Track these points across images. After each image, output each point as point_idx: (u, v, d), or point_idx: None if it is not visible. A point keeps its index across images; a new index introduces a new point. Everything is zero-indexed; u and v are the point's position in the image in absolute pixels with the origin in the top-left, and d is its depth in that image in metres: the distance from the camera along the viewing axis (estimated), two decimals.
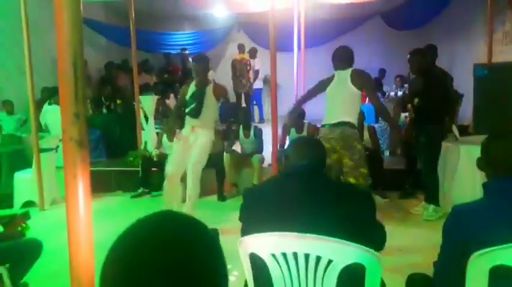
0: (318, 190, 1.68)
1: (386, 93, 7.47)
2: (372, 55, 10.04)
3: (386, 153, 6.50)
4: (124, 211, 5.01)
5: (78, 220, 1.60)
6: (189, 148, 4.27)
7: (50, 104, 6.94)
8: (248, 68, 9.18)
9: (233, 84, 9.27)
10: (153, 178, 5.58)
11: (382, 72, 9.14)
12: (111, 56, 9.74)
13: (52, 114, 6.85)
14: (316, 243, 1.50)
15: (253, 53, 9.50)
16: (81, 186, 1.59)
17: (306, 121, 5.58)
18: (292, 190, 1.68)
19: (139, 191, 5.64)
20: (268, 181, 2.03)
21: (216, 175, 5.44)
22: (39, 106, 6.23)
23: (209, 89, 4.27)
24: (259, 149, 5.65)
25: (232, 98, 9.88)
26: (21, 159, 5.41)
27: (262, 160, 5.49)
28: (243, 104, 9.30)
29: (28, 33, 4.89)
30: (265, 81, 10.24)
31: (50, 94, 6.92)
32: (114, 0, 6.44)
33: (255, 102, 10.02)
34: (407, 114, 6.00)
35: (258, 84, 9.72)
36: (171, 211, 0.78)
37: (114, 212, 4.94)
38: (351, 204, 1.65)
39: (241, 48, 9.50)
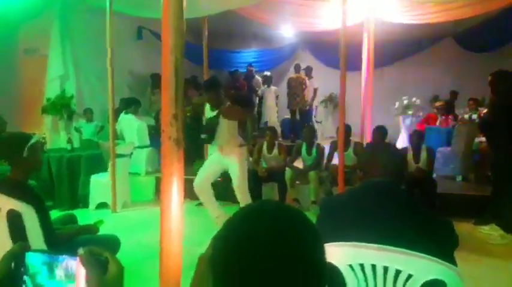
0: (400, 209, 1.67)
1: (459, 117, 7.15)
2: (443, 77, 9.70)
3: (459, 178, 6.20)
4: (189, 217, 5.16)
5: (171, 214, 1.71)
6: (218, 165, 4.53)
7: (126, 113, 7.41)
8: (304, 86, 9.33)
9: (288, 101, 9.54)
10: (218, 188, 5.72)
11: (454, 94, 8.77)
12: None
13: (127, 123, 7.31)
14: (397, 256, 1.49)
15: (309, 72, 9.56)
16: (176, 183, 1.71)
17: (351, 139, 5.50)
18: (373, 204, 1.68)
19: None
20: (346, 192, 2.03)
21: (277, 190, 5.48)
22: (116, 115, 6.65)
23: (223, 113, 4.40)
24: (320, 165, 5.63)
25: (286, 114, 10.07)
26: (98, 163, 5.76)
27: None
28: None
29: (112, 48, 5.28)
30: (331, 99, 10.21)
31: (127, 104, 7.40)
32: (189, 19, 6.83)
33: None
34: (482, 139, 5.72)
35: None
36: (275, 201, 0.83)
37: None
38: (435, 232, 1.61)
39: (297, 68, 9.68)
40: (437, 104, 8.05)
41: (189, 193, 5.92)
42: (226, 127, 4.43)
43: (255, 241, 0.73)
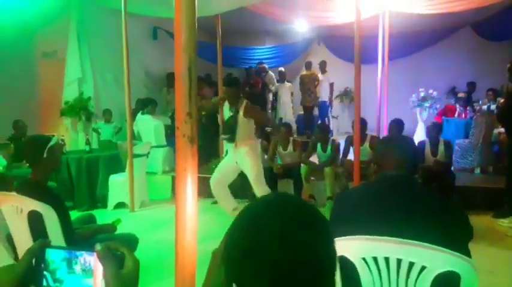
0: (414, 202, 1.67)
1: (477, 108, 7.01)
2: (461, 67, 9.52)
3: (477, 170, 6.09)
4: (204, 215, 5.17)
5: (186, 210, 1.75)
6: (233, 163, 4.54)
7: (143, 113, 7.53)
8: (316, 83, 9.44)
9: (302, 98, 9.65)
10: (232, 186, 5.75)
11: (472, 85, 8.60)
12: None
13: (144, 123, 7.43)
14: (410, 248, 1.49)
15: (323, 66, 9.51)
16: (190, 179, 1.75)
17: (367, 133, 5.45)
18: (387, 198, 1.68)
19: None
20: (360, 186, 2.03)
21: (293, 186, 5.48)
22: (133, 115, 6.74)
23: (241, 111, 4.41)
24: (335, 161, 5.61)
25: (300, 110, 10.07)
26: (116, 163, 5.84)
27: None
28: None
29: (127, 50, 5.35)
30: (346, 93, 10.16)
31: (143, 105, 7.50)
32: (202, 17, 6.90)
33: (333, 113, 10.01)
34: (501, 130, 5.60)
35: (327, 97, 9.70)
36: (286, 194, 0.84)
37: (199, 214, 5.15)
38: (449, 223, 1.60)
39: (308, 65, 9.78)
40: (459, 95, 7.92)
41: (205, 191, 6.00)
42: (245, 125, 4.46)
43: (264, 236, 0.74)
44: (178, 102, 1.78)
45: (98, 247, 0.90)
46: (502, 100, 5.27)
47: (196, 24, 1.81)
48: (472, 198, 4.86)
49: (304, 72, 9.73)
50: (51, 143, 2.74)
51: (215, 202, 5.74)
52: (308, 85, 9.44)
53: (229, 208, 4.63)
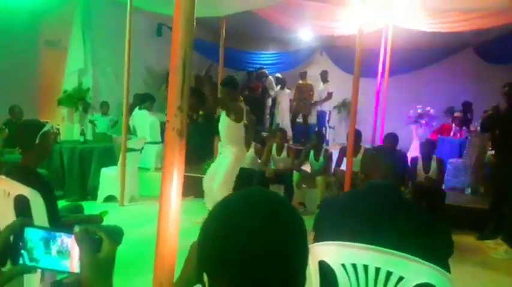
0: (398, 212, 1.68)
1: (473, 129, 7.05)
2: (461, 87, 9.57)
3: (468, 190, 6.12)
4: (191, 213, 5.17)
5: (170, 202, 1.75)
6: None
7: (140, 109, 7.52)
8: (311, 93, 9.63)
9: (296, 106, 9.74)
10: None
11: (467, 106, 8.57)
12: (197, 69, 10.29)
13: (141, 118, 7.42)
14: (388, 258, 1.50)
15: (324, 76, 9.58)
16: (176, 172, 1.76)
17: (362, 145, 5.48)
18: (371, 206, 1.70)
19: None
20: (346, 193, 2.04)
21: (284, 192, 5.49)
22: (130, 110, 6.74)
23: (232, 115, 4.46)
24: (327, 170, 5.63)
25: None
26: (109, 156, 5.83)
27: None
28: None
29: (130, 44, 5.36)
30: (344, 105, 10.20)
31: (141, 100, 7.50)
32: (208, 18, 6.97)
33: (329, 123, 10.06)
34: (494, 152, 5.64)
35: (326, 106, 9.76)
36: (262, 189, 0.85)
37: (186, 213, 5.12)
38: (432, 238, 1.61)
39: (303, 75, 9.91)
40: (456, 114, 7.96)
41: (196, 191, 5.99)
42: (234, 129, 4.48)
43: (236, 228, 0.74)
44: (170, 96, 1.80)
45: (76, 228, 0.91)
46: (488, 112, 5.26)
47: (194, 19, 1.82)
48: (461, 217, 4.88)
49: (300, 81, 9.81)
50: (44, 129, 2.74)
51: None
52: (305, 94, 9.57)
53: None
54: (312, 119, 9.85)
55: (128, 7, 5.34)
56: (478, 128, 6.59)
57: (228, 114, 4.48)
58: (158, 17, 8.77)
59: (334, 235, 1.64)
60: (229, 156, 4.49)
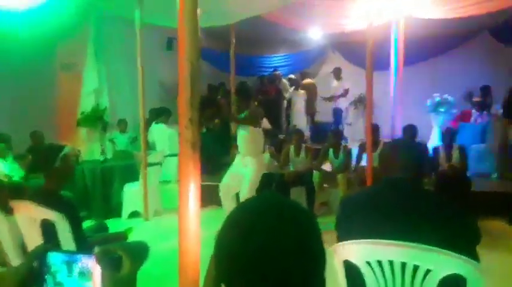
0: (420, 204, 1.66)
1: (494, 112, 6.87)
2: (479, 72, 9.34)
3: (494, 175, 5.96)
4: (214, 222, 5.17)
5: (188, 213, 1.77)
6: (239, 174, 4.58)
7: (157, 123, 7.62)
8: (315, 91, 9.91)
9: (306, 106, 9.83)
10: None
11: (486, 90, 8.36)
12: (210, 79, 10.37)
13: (158, 132, 7.51)
14: (414, 251, 1.48)
15: (337, 73, 9.51)
16: (193, 184, 1.77)
17: (381, 139, 5.40)
18: (392, 201, 1.68)
19: None
20: (366, 190, 2.03)
21: (306, 194, 5.45)
22: (147, 125, 6.82)
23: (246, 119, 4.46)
24: (348, 167, 5.57)
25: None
26: (131, 173, 5.91)
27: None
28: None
29: (142, 60, 5.44)
30: (360, 100, 10.10)
31: (157, 114, 7.59)
32: (216, 27, 7.05)
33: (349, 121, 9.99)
34: None
35: (342, 103, 9.71)
36: (274, 193, 0.85)
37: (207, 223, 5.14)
38: (455, 228, 1.58)
39: (304, 75, 10.23)
40: (475, 99, 7.79)
41: (217, 200, 5.98)
42: (248, 134, 4.48)
43: (251, 234, 0.74)
44: (180, 109, 1.82)
45: (96, 249, 0.92)
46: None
47: (198, 32, 1.85)
48: (489, 203, 4.75)
49: (306, 80, 9.91)
50: (64, 151, 2.80)
51: None
52: (311, 95, 9.77)
53: None
54: (329, 117, 9.82)
55: (137, 24, 5.42)
56: (500, 111, 6.43)
57: (244, 122, 4.49)
58: (168, 31, 8.86)
59: (356, 234, 1.63)
60: (252, 166, 4.50)
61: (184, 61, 1.81)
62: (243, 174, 4.55)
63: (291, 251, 0.73)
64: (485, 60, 9.49)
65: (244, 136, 4.52)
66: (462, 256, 1.43)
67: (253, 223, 0.75)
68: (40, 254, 0.95)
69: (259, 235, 0.73)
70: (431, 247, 1.45)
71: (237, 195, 4.71)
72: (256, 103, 4.75)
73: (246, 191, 4.44)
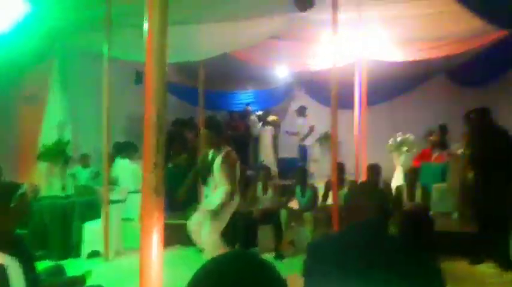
0: (385, 250, 1.66)
1: (452, 152, 7.13)
2: (437, 112, 9.77)
3: (455, 215, 6.11)
4: (180, 264, 4.95)
5: (150, 264, 1.70)
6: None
7: (121, 157, 7.44)
8: (279, 128, 10.46)
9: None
10: None
11: (443, 129, 8.72)
12: (179, 113, 10.34)
13: (122, 168, 7.33)
14: None
15: (302, 112, 9.76)
16: (155, 232, 1.72)
17: (346, 177, 5.52)
18: (358, 247, 1.67)
19: None
20: (332, 236, 2.02)
21: (273, 232, 5.40)
22: (111, 160, 6.65)
23: (219, 157, 4.44)
24: (314, 205, 5.59)
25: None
26: (92, 209, 5.70)
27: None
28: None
29: (108, 94, 5.37)
30: (326, 137, 10.31)
31: (122, 149, 7.43)
32: (185, 63, 7.13)
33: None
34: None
35: (308, 141, 9.87)
36: (242, 251, 0.85)
37: (176, 264, 4.93)
38: (420, 275, 1.59)
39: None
40: (432, 137, 8.08)
41: (181, 239, 5.81)
42: (223, 172, 4.44)
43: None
44: (145, 152, 1.78)
45: None
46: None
47: (165, 77, 1.84)
48: (451, 243, 4.84)
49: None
50: (20, 191, 2.67)
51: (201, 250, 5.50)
52: (277, 131, 10.27)
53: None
54: (294, 153, 9.98)
55: (105, 58, 5.38)
56: (458, 151, 6.67)
57: (215, 156, 4.46)
58: (136, 65, 8.83)
59: (324, 282, 1.61)
60: (220, 193, 4.42)
61: (151, 104, 1.80)
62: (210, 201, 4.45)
63: None
64: (442, 100, 9.96)
65: (218, 167, 4.45)
66: None
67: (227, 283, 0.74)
68: None
69: None
70: None
71: None
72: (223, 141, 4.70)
73: (208, 231, 4.33)
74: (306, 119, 9.71)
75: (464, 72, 9.45)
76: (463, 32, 6.25)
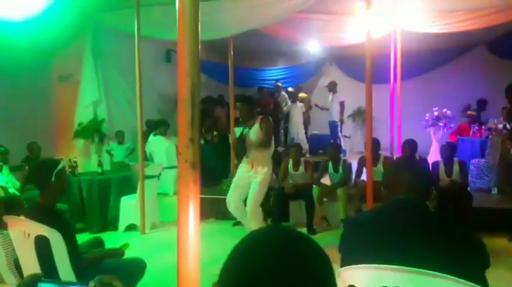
0: (426, 227, 1.62)
1: (493, 126, 6.86)
2: (475, 86, 9.39)
3: (494, 190, 5.92)
4: (216, 237, 5.01)
5: (187, 236, 1.73)
6: (247, 180, 4.48)
7: (155, 135, 7.58)
8: (310, 104, 10.40)
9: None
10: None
11: (482, 103, 8.38)
12: (209, 91, 10.37)
13: (156, 144, 7.47)
14: (421, 278, 1.43)
15: (333, 87, 9.55)
16: (192, 205, 1.73)
17: (381, 153, 5.38)
18: (397, 224, 1.63)
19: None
20: (370, 212, 1.98)
21: (305, 208, 5.40)
22: (145, 137, 6.78)
23: (254, 128, 4.41)
24: (348, 182, 5.52)
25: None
26: (128, 185, 5.83)
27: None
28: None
29: (140, 72, 5.41)
30: (359, 113, 10.13)
31: (155, 126, 7.55)
32: (214, 40, 7.09)
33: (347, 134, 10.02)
34: None
35: (337, 117, 9.67)
36: (282, 226, 0.82)
37: (206, 238, 5.01)
38: (463, 251, 1.55)
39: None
40: (470, 112, 7.80)
41: (218, 212, 5.91)
42: (256, 136, 4.43)
43: (258, 274, 0.71)
44: (180, 128, 1.78)
45: (91, 284, 0.89)
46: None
47: (199, 49, 1.81)
48: (489, 219, 4.71)
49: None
50: (59, 166, 2.75)
51: (236, 224, 5.60)
52: (307, 107, 10.21)
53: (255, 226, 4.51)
54: (324, 130, 9.88)
55: (136, 37, 5.40)
56: (499, 126, 6.41)
57: (254, 130, 4.44)
58: (166, 43, 8.88)
59: (361, 258, 1.58)
60: (261, 173, 4.44)
61: (184, 80, 1.78)
62: (251, 181, 4.48)
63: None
64: (482, 74, 9.55)
65: (255, 137, 4.44)
66: (470, 283, 1.39)
67: (261, 266, 0.71)
68: (29, 285, 0.91)
69: (270, 273, 0.69)
70: (439, 274, 1.40)
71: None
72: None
73: (252, 201, 4.38)
74: (336, 95, 9.52)
75: (505, 44, 8.99)
76: (503, 2, 5.89)
